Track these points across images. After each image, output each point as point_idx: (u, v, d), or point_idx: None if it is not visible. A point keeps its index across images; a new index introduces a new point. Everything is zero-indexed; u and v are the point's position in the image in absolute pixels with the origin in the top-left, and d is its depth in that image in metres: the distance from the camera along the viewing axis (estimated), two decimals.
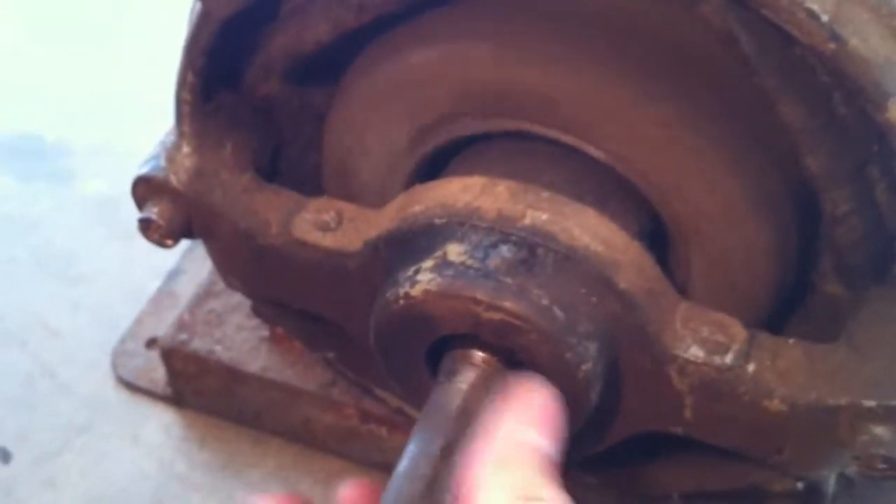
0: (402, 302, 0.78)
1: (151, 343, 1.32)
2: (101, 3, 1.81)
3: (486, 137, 0.85)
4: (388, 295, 0.79)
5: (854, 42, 0.67)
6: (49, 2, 1.83)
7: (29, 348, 1.36)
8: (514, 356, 0.78)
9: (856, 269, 0.83)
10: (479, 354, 0.78)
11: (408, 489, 0.72)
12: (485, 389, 0.77)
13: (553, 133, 0.80)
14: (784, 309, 0.90)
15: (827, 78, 0.72)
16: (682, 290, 0.86)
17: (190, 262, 1.39)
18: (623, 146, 0.80)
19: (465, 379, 0.77)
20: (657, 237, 0.86)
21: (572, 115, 0.80)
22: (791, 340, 0.81)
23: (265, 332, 1.23)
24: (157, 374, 1.31)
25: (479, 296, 0.75)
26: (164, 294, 1.37)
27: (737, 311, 0.83)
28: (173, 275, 1.39)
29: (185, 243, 1.05)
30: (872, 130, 0.72)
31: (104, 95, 1.63)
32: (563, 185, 0.81)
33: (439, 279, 0.76)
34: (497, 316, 0.75)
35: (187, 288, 1.33)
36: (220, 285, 1.25)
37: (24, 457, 1.25)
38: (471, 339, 0.78)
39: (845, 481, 1.14)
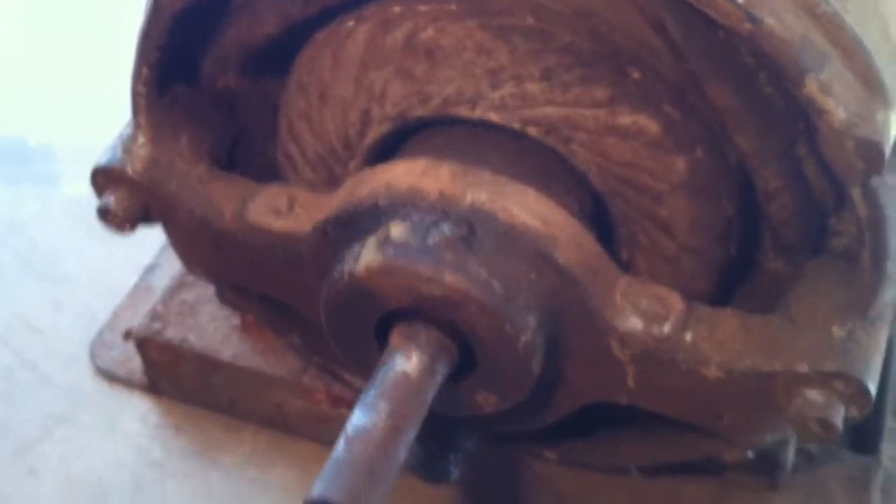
0: (346, 279, 0.81)
1: (128, 335, 1.35)
2: (93, 7, 1.83)
3: (437, 123, 0.88)
4: (334, 273, 0.82)
5: (770, 21, 0.70)
6: (39, 5, 1.86)
7: (11, 344, 1.39)
8: (457, 329, 0.81)
9: (792, 244, 0.86)
10: (422, 328, 0.81)
11: (358, 448, 0.76)
12: (428, 361, 0.80)
13: (490, 116, 0.83)
14: (730, 287, 0.92)
15: (751, 59, 0.75)
16: (628, 268, 0.89)
17: (166, 257, 1.41)
18: (562, 129, 0.83)
19: (409, 351, 0.80)
20: (602, 218, 0.88)
21: (512, 100, 0.82)
22: (728, 311, 0.84)
23: (237, 322, 1.26)
24: (134, 364, 1.33)
25: (420, 271, 0.78)
26: (140, 289, 1.40)
27: (680, 286, 0.86)
28: (150, 270, 1.42)
29: (162, 240, 1.08)
30: (797, 109, 0.75)
31: (88, 99, 1.66)
32: (506, 168, 0.84)
33: (382, 256, 0.79)
34: (437, 290, 0.79)
35: (163, 282, 1.36)
36: (193, 277, 1.29)
37: (6, 447, 1.27)
38: (415, 314, 0.81)
39: (805, 455, 1.17)
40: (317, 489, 0.76)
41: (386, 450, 0.77)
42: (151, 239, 1.14)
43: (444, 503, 1.22)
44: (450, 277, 0.78)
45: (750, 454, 0.96)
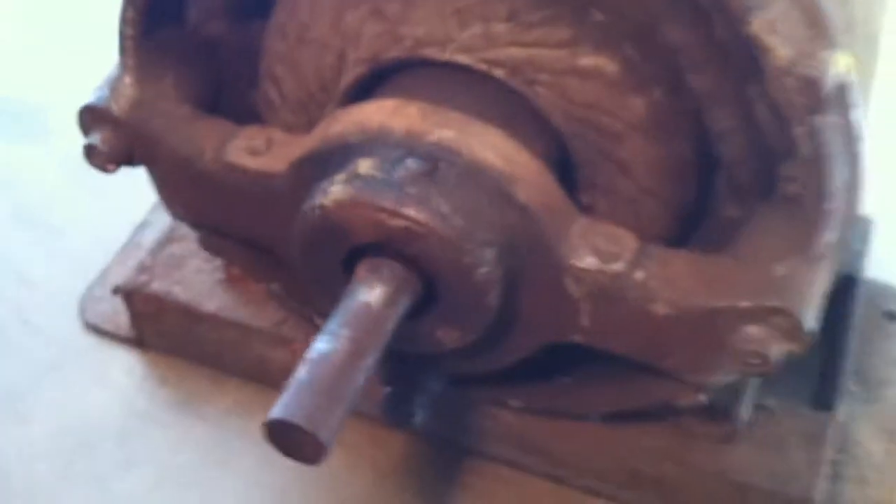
0: (317, 212, 0.86)
1: (117, 290, 1.39)
2: None
3: (409, 66, 0.92)
4: (305, 208, 0.86)
5: None
6: None
7: (3, 296, 1.44)
8: (419, 264, 0.85)
9: (745, 187, 0.89)
10: (386, 262, 0.85)
11: (318, 371, 0.80)
12: (390, 293, 0.85)
13: (458, 58, 0.87)
14: (688, 233, 0.96)
15: (706, 1, 0.78)
16: (589, 210, 0.93)
17: (158, 215, 1.45)
18: (526, 70, 0.87)
19: (372, 283, 0.84)
20: (565, 160, 0.92)
21: (479, 40, 0.86)
22: (679, 251, 0.88)
23: (222, 275, 1.30)
24: (122, 318, 1.38)
25: (384, 203, 0.83)
26: (131, 245, 1.44)
27: (639, 229, 0.90)
28: (141, 227, 1.46)
29: (154, 198, 1.12)
30: (748, 51, 0.78)
31: (86, 61, 1.70)
32: (473, 109, 0.88)
33: (349, 189, 0.84)
34: (400, 222, 0.83)
35: (153, 239, 1.41)
36: (181, 231, 1.33)
37: None
38: (380, 249, 0.86)
39: (763, 410, 1.21)
40: (276, 410, 0.80)
41: (345, 374, 0.81)
42: (144, 197, 1.17)
43: (413, 454, 1.27)
44: (412, 210, 0.82)
45: (703, 398, 0.99)
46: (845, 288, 1.36)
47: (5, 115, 1.68)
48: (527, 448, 1.22)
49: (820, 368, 1.33)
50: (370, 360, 0.83)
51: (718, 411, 1.13)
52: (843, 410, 1.28)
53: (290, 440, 0.80)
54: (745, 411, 1.16)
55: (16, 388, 1.33)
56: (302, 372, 0.81)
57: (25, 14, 1.84)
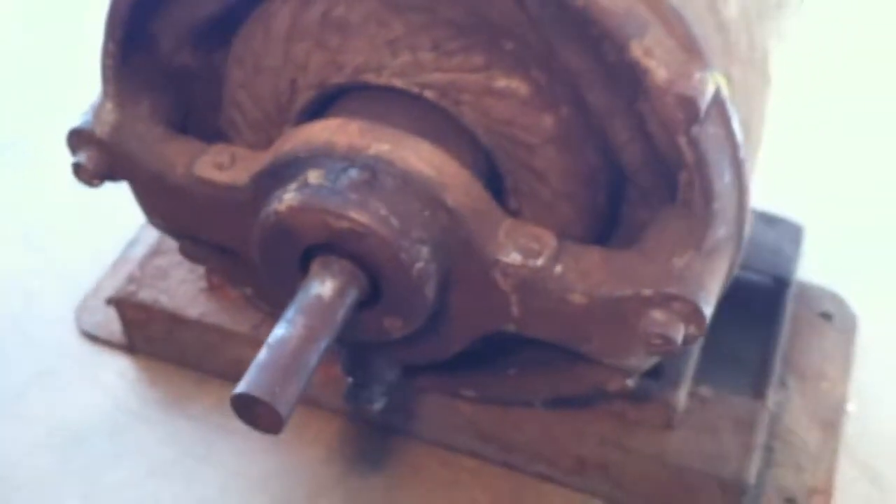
0: (273, 217, 0.97)
1: (110, 301, 1.51)
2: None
3: (352, 89, 1.04)
4: (262, 214, 0.98)
5: None
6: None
7: (8, 307, 1.55)
8: (364, 261, 0.97)
9: (649, 191, 1.00)
10: (336, 260, 0.97)
11: (277, 353, 0.91)
12: (339, 286, 0.96)
13: (393, 82, 0.99)
14: (606, 234, 1.07)
15: (595, 29, 0.90)
16: (516, 213, 1.04)
17: (145, 232, 1.58)
18: (451, 91, 0.98)
19: (324, 277, 0.96)
20: (493, 170, 1.04)
21: (409, 67, 0.98)
22: (593, 247, 1.00)
23: (203, 284, 1.42)
24: (115, 327, 1.49)
25: (330, 207, 0.94)
26: (122, 260, 1.56)
27: (558, 230, 1.01)
28: (131, 244, 1.58)
29: (141, 218, 1.23)
30: (635, 74, 0.90)
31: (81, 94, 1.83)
32: (408, 126, 0.99)
33: (300, 196, 0.95)
34: (344, 224, 0.94)
35: (141, 253, 1.52)
36: (167, 244, 1.45)
37: None
38: (329, 249, 0.97)
39: (698, 398, 1.32)
40: (241, 386, 0.92)
41: (299, 355, 0.93)
42: (134, 217, 1.28)
43: (380, 446, 1.38)
44: (354, 212, 0.94)
45: (630, 383, 1.10)
46: (779, 289, 1.48)
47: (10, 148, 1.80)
48: (483, 437, 1.32)
49: (756, 363, 1.44)
50: (322, 344, 0.94)
51: (657, 400, 1.24)
52: (780, 402, 1.38)
53: (253, 412, 0.91)
54: (681, 399, 1.27)
55: (17, 390, 1.43)
56: (263, 353, 0.92)
57: (27, 51, 1.97)
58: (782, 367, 1.43)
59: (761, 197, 1.52)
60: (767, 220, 1.52)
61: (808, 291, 1.53)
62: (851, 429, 1.41)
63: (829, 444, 1.38)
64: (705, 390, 1.33)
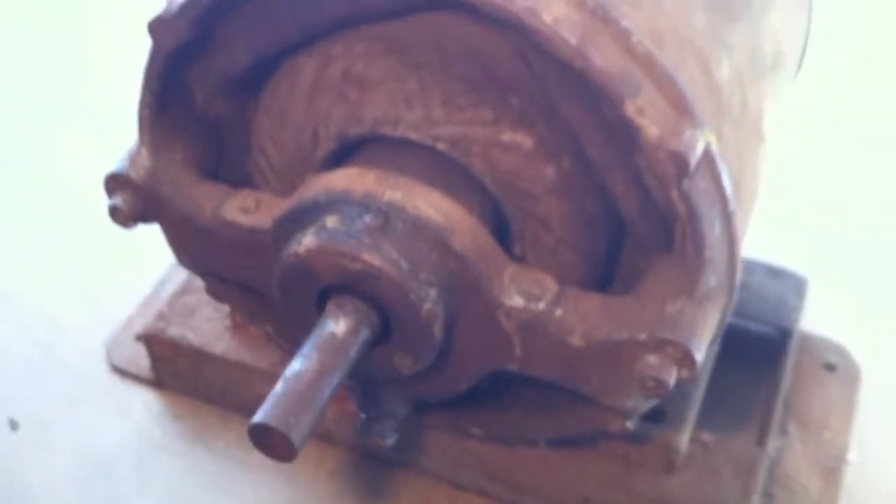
0: (292, 259, 1.04)
1: (139, 337, 1.58)
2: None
3: (370, 140, 1.10)
4: (283, 256, 1.05)
5: (596, 59, 0.92)
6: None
7: (37, 338, 1.62)
8: (376, 301, 1.03)
9: (646, 242, 1.06)
10: (349, 300, 1.03)
11: (292, 385, 0.98)
12: (352, 324, 1.03)
13: (408, 134, 1.06)
14: (606, 280, 1.13)
15: (594, 89, 0.97)
16: (521, 259, 1.10)
17: (175, 272, 1.65)
18: (461, 143, 1.05)
19: (338, 316, 1.02)
20: (500, 218, 1.10)
21: (423, 121, 1.05)
22: (592, 293, 1.06)
23: (228, 322, 1.49)
24: (143, 362, 1.55)
25: (344, 250, 1.01)
26: (152, 298, 1.63)
27: (560, 276, 1.07)
28: (161, 283, 1.65)
29: (171, 259, 1.30)
30: (630, 130, 0.96)
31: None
32: (420, 175, 1.06)
33: (317, 239, 1.02)
34: (358, 265, 1.01)
35: (170, 292, 1.59)
36: (195, 284, 1.52)
37: (28, 424, 1.48)
38: (344, 290, 1.04)
39: (700, 443, 1.37)
40: (258, 416, 0.98)
41: (313, 389, 0.99)
42: (165, 257, 1.33)
43: (394, 483, 1.43)
44: (367, 255, 1.00)
45: (629, 425, 1.15)
46: (781, 338, 1.53)
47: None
48: (491, 475, 1.37)
49: (758, 410, 1.48)
50: (335, 379, 1.00)
51: (659, 442, 1.29)
52: (781, 449, 1.42)
53: (268, 441, 0.97)
54: (683, 443, 1.32)
55: (46, 419, 1.49)
56: (279, 386, 0.99)
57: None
58: (785, 416, 1.47)
59: (767, 250, 1.59)
60: (772, 272, 1.57)
61: (812, 342, 1.57)
62: (852, 478, 1.43)
63: (829, 492, 1.41)
64: (707, 435, 1.37)
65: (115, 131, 1.38)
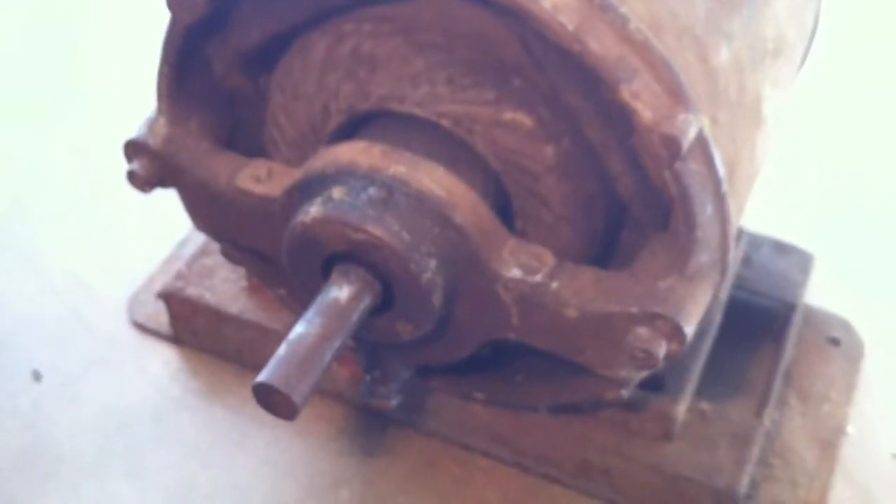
0: (299, 227, 1.08)
1: (160, 295, 1.63)
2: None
3: (377, 115, 1.14)
4: (291, 224, 1.09)
5: (593, 44, 0.95)
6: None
7: (64, 298, 1.68)
8: (379, 270, 1.08)
9: (643, 221, 1.09)
10: (353, 268, 1.07)
11: (295, 348, 1.02)
12: (355, 291, 1.07)
13: (413, 110, 1.09)
14: (605, 257, 1.16)
15: (590, 75, 0.99)
16: (522, 234, 1.14)
17: (195, 234, 1.69)
18: (464, 121, 1.08)
19: (341, 283, 1.07)
20: (503, 194, 1.13)
21: (427, 98, 1.08)
22: (586, 267, 1.09)
23: (245, 283, 1.54)
24: (163, 319, 1.61)
25: (349, 221, 1.05)
26: (173, 258, 1.68)
27: (559, 251, 1.10)
28: (182, 244, 1.70)
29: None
30: (626, 113, 0.98)
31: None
32: (425, 150, 1.09)
33: (324, 210, 1.06)
34: (361, 236, 1.05)
35: (190, 253, 1.64)
36: (213, 245, 1.57)
37: (55, 379, 1.55)
38: (348, 258, 1.08)
39: (698, 413, 1.40)
40: (261, 377, 1.02)
41: (315, 352, 1.03)
42: (185, 220, 1.37)
43: (400, 442, 1.47)
44: (370, 226, 1.04)
45: (624, 394, 1.19)
46: (785, 313, 1.55)
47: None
48: (496, 439, 1.42)
49: (759, 383, 1.51)
50: (336, 343, 1.04)
51: (657, 411, 1.33)
52: (780, 420, 1.45)
53: (271, 400, 1.02)
54: (680, 412, 1.35)
55: (70, 374, 1.55)
56: (283, 348, 1.03)
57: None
58: (787, 388, 1.50)
59: (776, 226, 1.61)
60: (779, 248, 1.60)
61: (816, 317, 1.60)
62: (850, 451, 1.47)
63: (826, 463, 1.44)
64: (706, 405, 1.41)
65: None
